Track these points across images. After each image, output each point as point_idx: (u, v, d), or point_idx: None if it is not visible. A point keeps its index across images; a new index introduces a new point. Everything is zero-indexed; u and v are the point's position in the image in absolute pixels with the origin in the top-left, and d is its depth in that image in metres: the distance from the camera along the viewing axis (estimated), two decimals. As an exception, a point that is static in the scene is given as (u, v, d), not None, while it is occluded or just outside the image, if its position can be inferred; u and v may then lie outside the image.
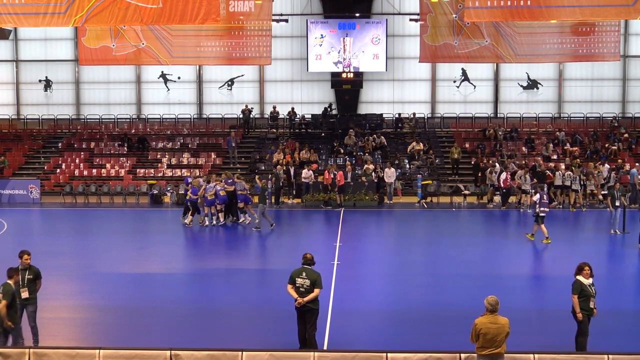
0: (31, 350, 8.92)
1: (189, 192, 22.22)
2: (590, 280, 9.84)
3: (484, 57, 29.75)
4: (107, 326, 11.90)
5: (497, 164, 27.95)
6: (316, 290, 9.95)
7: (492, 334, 8.17)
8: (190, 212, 22.17)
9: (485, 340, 8.19)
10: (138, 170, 32.37)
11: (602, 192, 26.74)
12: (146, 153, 33.99)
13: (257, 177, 23.59)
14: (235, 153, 32.71)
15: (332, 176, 26.72)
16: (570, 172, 26.47)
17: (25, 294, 10.21)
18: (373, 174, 28.13)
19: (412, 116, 35.17)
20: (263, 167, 31.50)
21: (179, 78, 37.78)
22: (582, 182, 26.50)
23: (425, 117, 36.45)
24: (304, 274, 10.03)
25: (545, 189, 21.38)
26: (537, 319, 11.94)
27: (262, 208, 21.14)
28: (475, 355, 8.44)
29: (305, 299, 9.88)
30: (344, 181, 26.75)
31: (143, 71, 38.05)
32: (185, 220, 22.22)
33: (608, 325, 11.08)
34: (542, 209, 18.72)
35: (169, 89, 38.07)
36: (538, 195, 18.99)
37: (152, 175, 31.27)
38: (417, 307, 12.96)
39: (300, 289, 9.94)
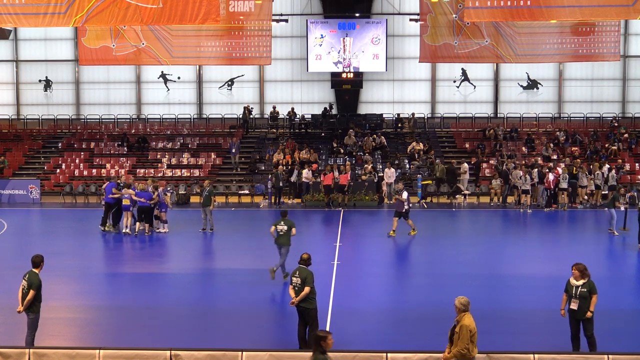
0: (31, 350, 8.91)
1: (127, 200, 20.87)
2: (580, 282, 9.61)
3: (484, 57, 29.75)
4: (107, 326, 11.90)
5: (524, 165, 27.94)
6: (305, 289, 10.00)
7: (475, 329, 8.26)
8: (127, 219, 21.01)
9: (475, 338, 8.22)
10: (138, 170, 32.35)
11: (602, 192, 26.76)
12: (146, 153, 33.98)
13: (206, 181, 23.03)
14: (236, 159, 32.48)
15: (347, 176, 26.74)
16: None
17: None
18: (370, 175, 28.10)
19: (411, 116, 35.19)
20: (263, 167, 31.49)
21: (179, 78, 37.79)
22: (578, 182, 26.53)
23: (425, 117, 36.46)
24: (297, 272, 10.18)
25: None
26: (537, 319, 11.93)
27: (206, 211, 21.10)
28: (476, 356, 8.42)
29: (297, 298, 10.01)
30: (331, 182, 26.61)
31: (143, 71, 38.05)
32: (142, 228, 21.11)
33: (608, 326, 11.06)
34: (410, 205, 20.79)
35: (169, 89, 38.07)
36: (406, 193, 20.51)
37: (152, 175, 31.21)
38: (417, 307, 12.96)
39: (295, 287, 10.10)
